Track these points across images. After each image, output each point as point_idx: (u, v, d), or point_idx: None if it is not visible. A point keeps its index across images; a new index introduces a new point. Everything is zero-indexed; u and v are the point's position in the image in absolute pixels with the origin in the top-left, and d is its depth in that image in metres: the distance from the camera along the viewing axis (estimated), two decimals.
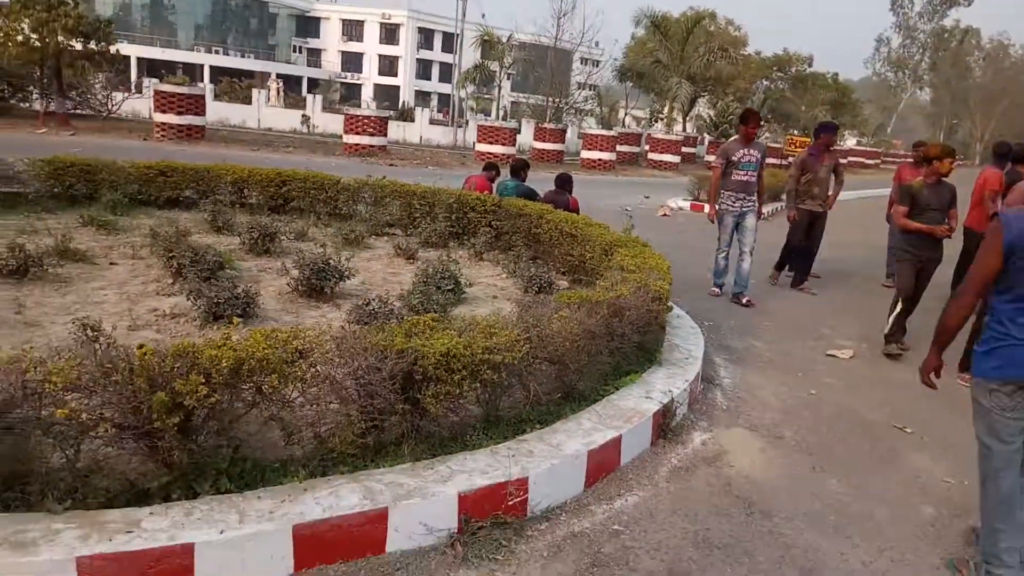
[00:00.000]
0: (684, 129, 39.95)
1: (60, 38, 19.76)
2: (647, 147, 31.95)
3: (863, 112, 65.02)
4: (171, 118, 20.58)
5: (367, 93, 65.07)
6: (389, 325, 3.42)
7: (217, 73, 52.61)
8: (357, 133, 22.65)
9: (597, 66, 42.24)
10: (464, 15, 36.34)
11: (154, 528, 2.45)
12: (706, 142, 37.13)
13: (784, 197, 9.02)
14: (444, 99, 63.07)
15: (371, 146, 22.55)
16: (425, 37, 72.08)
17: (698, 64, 34.64)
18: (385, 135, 23.56)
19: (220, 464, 2.74)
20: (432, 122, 35.33)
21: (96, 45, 21.20)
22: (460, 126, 33.41)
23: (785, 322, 7.22)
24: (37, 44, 19.61)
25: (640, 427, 3.89)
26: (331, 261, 5.57)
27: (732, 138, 8.04)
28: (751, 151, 7.64)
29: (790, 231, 8.64)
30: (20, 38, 19.41)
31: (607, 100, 45.71)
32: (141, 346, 2.61)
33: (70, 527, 2.41)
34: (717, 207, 7.82)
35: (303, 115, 31.21)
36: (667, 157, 30.14)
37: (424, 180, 9.71)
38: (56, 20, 19.30)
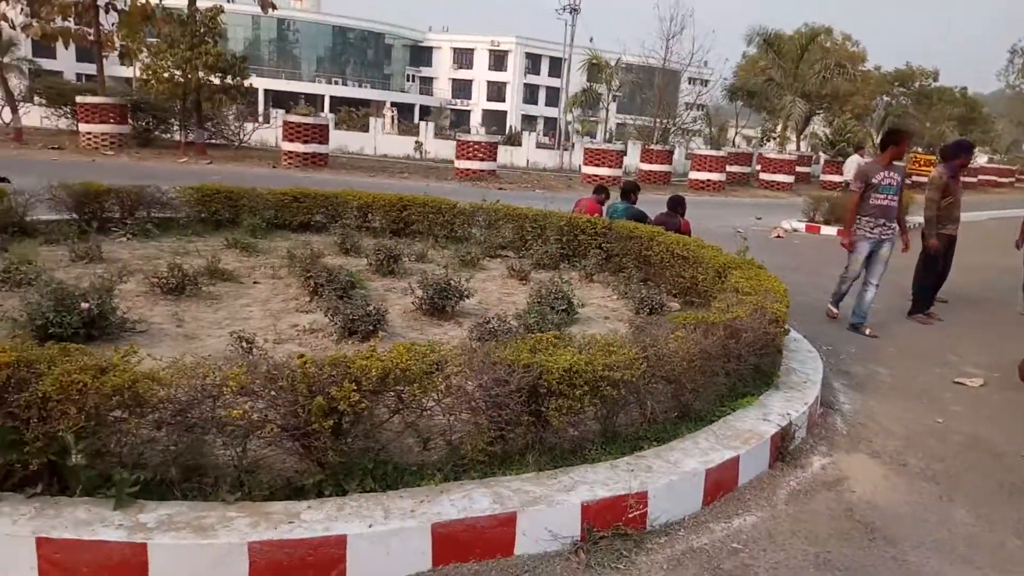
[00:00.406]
0: (798, 148, 38.76)
1: (200, 74, 21.52)
2: (758, 167, 31.21)
3: (995, 127, 61.03)
4: (298, 146, 21.93)
5: (475, 119, 66.94)
6: (514, 342, 3.64)
7: (336, 103, 55.64)
8: (468, 158, 23.36)
9: (706, 86, 41.72)
10: (572, 40, 36.88)
11: (312, 520, 2.73)
12: (821, 161, 35.85)
13: (921, 224, 8.16)
14: (550, 122, 63.98)
15: (481, 171, 23.19)
16: (532, 62, 73.53)
17: (813, 81, 33.57)
18: (495, 160, 24.17)
19: (366, 465, 3.02)
20: (539, 146, 35.97)
21: (232, 79, 22.92)
22: (566, 149, 33.78)
23: (908, 347, 6.97)
24: (180, 80, 21.44)
25: (758, 449, 3.91)
26: (452, 281, 5.87)
27: (866, 159, 7.71)
28: (891, 173, 7.18)
29: (928, 261, 7.97)
30: (166, 75, 21.28)
31: (716, 120, 44.93)
32: (301, 355, 2.92)
33: (241, 515, 2.72)
34: (853, 232, 7.35)
35: (416, 141, 32.50)
36: (780, 177, 29.37)
37: (533, 203, 9.97)
38: (198, 58, 21.06)
